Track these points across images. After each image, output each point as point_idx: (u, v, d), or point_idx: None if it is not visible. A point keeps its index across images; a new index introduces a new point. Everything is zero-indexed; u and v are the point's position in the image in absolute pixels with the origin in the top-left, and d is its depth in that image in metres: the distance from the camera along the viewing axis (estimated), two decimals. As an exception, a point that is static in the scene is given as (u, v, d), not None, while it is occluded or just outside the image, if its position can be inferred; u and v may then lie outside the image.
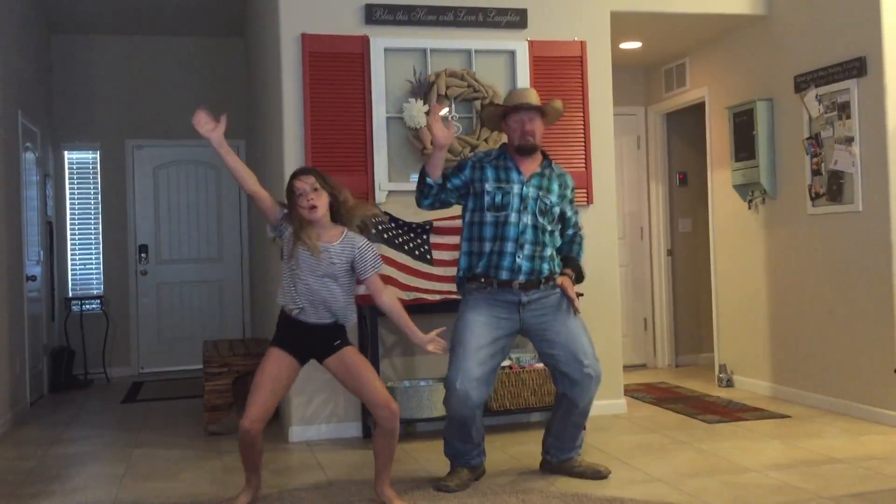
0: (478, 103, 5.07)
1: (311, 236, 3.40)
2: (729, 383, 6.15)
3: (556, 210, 3.85)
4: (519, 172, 3.84)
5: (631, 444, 4.54)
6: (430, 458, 4.31)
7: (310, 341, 3.49)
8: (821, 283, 5.28)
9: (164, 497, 3.82)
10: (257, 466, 3.60)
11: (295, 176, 3.47)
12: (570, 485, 3.80)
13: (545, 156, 3.97)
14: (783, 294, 5.65)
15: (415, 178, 5.01)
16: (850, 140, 4.99)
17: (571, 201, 3.98)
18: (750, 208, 5.94)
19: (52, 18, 7.52)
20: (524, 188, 3.80)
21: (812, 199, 5.32)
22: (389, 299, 3.54)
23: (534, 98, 3.91)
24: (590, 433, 4.81)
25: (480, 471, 3.94)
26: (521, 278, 3.75)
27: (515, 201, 3.78)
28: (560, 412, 3.93)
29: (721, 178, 6.27)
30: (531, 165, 3.88)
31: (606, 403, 5.28)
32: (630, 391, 5.96)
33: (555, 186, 3.88)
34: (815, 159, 5.28)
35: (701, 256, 7.08)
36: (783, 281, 5.64)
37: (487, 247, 3.78)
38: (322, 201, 3.42)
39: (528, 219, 3.77)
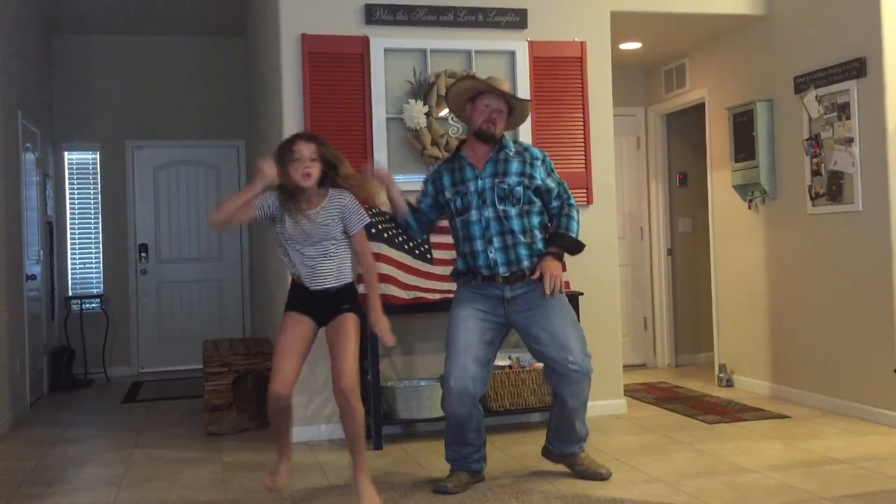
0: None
1: (299, 208, 3.42)
2: (729, 383, 6.15)
3: (519, 190, 3.75)
4: (473, 168, 3.79)
5: (631, 445, 4.54)
6: (430, 458, 4.31)
7: (319, 304, 3.50)
8: (821, 283, 5.28)
9: (164, 497, 3.82)
10: (289, 434, 3.59)
11: (298, 138, 3.47)
12: (570, 485, 3.80)
13: (500, 140, 3.85)
14: (783, 294, 5.65)
15: (415, 178, 5.04)
16: (849, 140, 4.99)
17: (549, 172, 3.85)
18: (750, 208, 5.94)
19: (52, 18, 7.51)
20: (479, 182, 3.77)
21: (812, 199, 5.32)
22: (371, 264, 3.56)
23: (501, 83, 3.85)
24: (590, 433, 4.78)
25: (480, 477, 3.89)
26: (502, 271, 3.73)
27: (474, 199, 3.76)
28: (555, 408, 3.91)
29: (721, 179, 6.27)
30: (486, 152, 3.81)
31: (606, 403, 5.28)
32: (630, 391, 5.96)
33: (513, 167, 3.78)
34: (814, 160, 5.28)
35: (701, 256, 7.08)
36: (783, 281, 5.65)
37: (466, 248, 3.80)
38: (316, 171, 3.43)
39: (488, 212, 3.74)
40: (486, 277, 3.75)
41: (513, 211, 3.75)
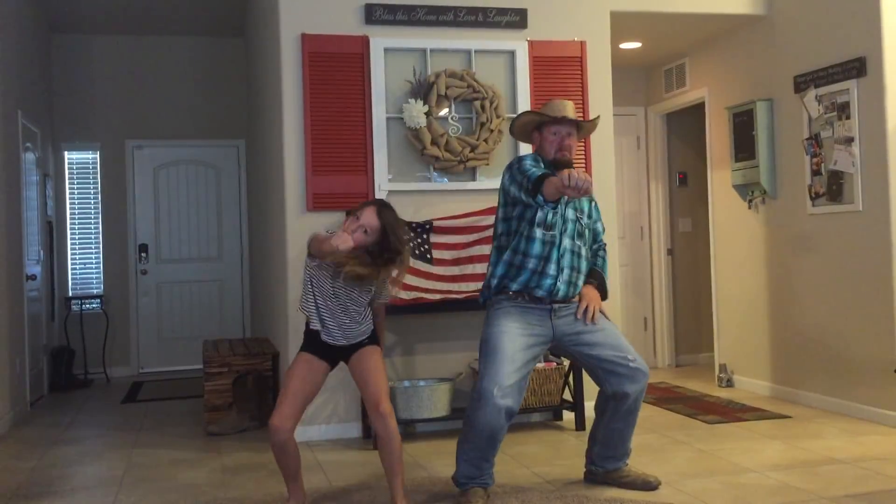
0: (478, 104, 5.07)
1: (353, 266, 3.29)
2: (729, 383, 6.15)
3: (588, 232, 3.73)
4: None
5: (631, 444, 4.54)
6: (431, 458, 4.31)
7: (336, 351, 3.44)
8: (821, 283, 5.28)
9: (164, 497, 3.82)
10: (296, 473, 3.44)
11: (372, 204, 3.40)
12: (570, 485, 3.80)
13: (571, 165, 3.73)
14: (783, 294, 5.65)
15: (415, 178, 5.04)
16: (849, 140, 4.99)
17: (599, 216, 3.86)
18: (750, 208, 5.94)
19: (52, 18, 7.51)
20: (566, 208, 3.64)
21: (812, 198, 5.32)
22: (383, 326, 3.62)
23: (572, 112, 3.72)
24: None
25: (489, 491, 3.68)
26: (557, 298, 3.61)
27: (560, 221, 3.61)
28: (607, 414, 3.72)
29: (721, 178, 6.27)
30: None
31: (606, 403, 5.28)
32: (630, 391, 5.95)
33: (586, 206, 3.74)
34: (814, 159, 5.28)
35: (701, 256, 7.08)
36: (783, 281, 5.64)
37: (531, 264, 3.58)
38: (361, 239, 3.32)
39: (567, 242, 3.62)
40: (536, 299, 3.60)
41: (583, 250, 3.70)
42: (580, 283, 3.68)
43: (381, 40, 5.02)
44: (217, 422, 5.11)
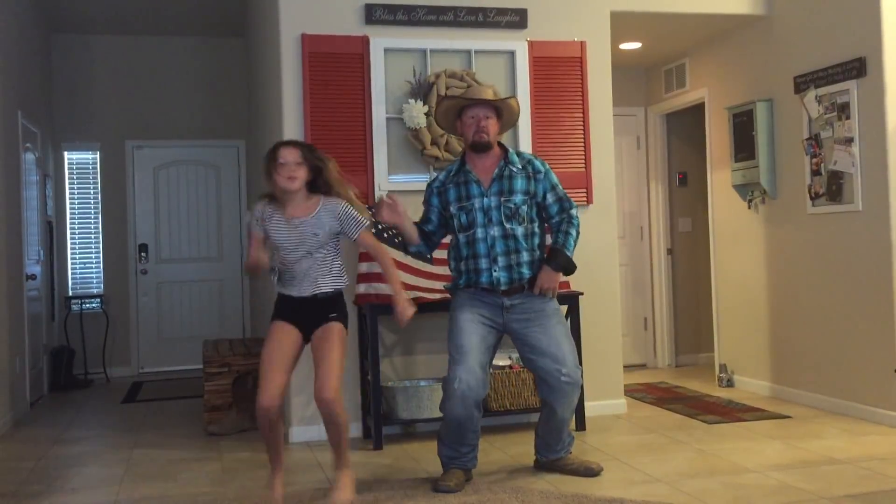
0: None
1: (288, 214, 3.46)
2: (729, 383, 6.15)
3: (525, 209, 3.80)
4: (478, 184, 3.79)
5: (631, 445, 4.54)
6: (431, 458, 4.30)
7: (307, 312, 3.50)
8: (821, 283, 5.28)
9: (164, 497, 3.82)
10: (280, 447, 3.55)
11: (281, 144, 3.51)
12: (570, 485, 3.80)
13: (504, 149, 3.88)
14: (783, 294, 5.65)
15: (415, 178, 5.04)
16: (849, 140, 4.99)
17: (551, 187, 3.85)
18: (750, 208, 5.94)
19: (52, 18, 7.51)
20: (484, 200, 3.77)
21: (812, 198, 5.32)
22: (384, 254, 3.60)
23: (490, 94, 3.85)
24: (590, 433, 4.82)
25: (470, 475, 3.91)
26: (503, 287, 3.78)
27: (479, 216, 3.77)
28: (543, 416, 3.96)
29: (721, 179, 6.27)
30: (490, 165, 3.82)
31: (606, 403, 5.28)
32: (630, 391, 5.96)
33: (518, 184, 3.80)
34: (814, 159, 5.28)
35: (701, 256, 7.08)
36: (783, 281, 5.65)
37: (464, 266, 3.82)
38: (301, 174, 3.45)
39: (495, 230, 3.76)
40: (485, 289, 3.79)
41: (519, 230, 3.78)
42: (524, 261, 3.79)
43: (381, 40, 5.02)
44: (217, 422, 5.11)
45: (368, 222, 3.57)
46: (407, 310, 3.51)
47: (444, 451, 3.87)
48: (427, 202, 3.95)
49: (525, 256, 3.79)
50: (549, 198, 3.87)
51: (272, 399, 3.37)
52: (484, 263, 3.76)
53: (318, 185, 3.53)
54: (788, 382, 5.62)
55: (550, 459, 4.01)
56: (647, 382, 6.46)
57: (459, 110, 3.88)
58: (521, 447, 4.55)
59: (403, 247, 3.96)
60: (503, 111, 3.88)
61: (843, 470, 3.92)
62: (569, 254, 3.83)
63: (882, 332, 4.82)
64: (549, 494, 3.64)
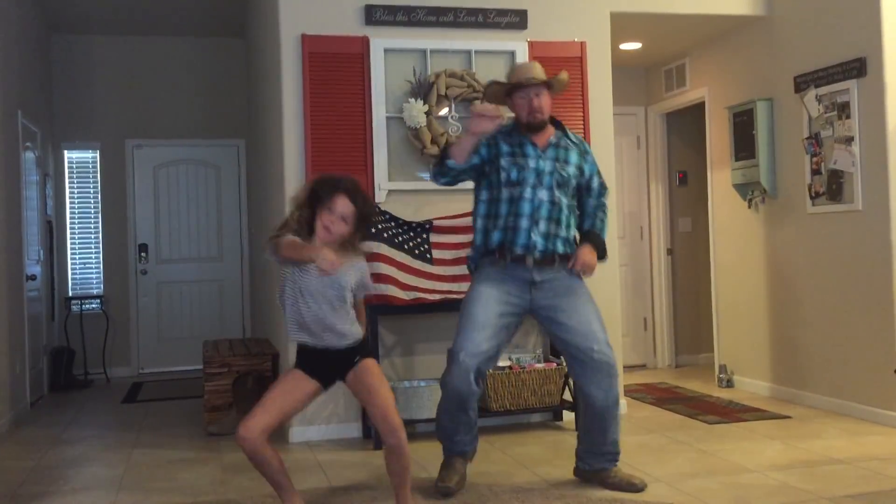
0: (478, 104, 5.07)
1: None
2: (729, 383, 6.15)
3: (574, 182, 3.71)
4: (534, 145, 3.69)
5: (631, 445, 4.54)
6: (431, 458, 4.30)
7: (330, 364, 3.28)
8: (821, 283, 5.28)
9: (164, 497, 3.82)
10: (282, 479, 3.27)
11: (342, 192, 3.15)
12: (570, 485, 3.80)
13: (559, 125, 3.80)
14: (783, 294, 5.65)
15: (420, 175, 5.04)
16: (849, 140, 4.99)
17: (597, 171, 3.81)
18: (750, 208, 5.94)
19: (52, 18, 7.51)
20: (539, 161, 3.66)
21: (812, 198, 5.32)
22: (363, 320, 3.39)
23: (538, 72, 3.71)
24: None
25: (472, 455, 3.80)
26: (537, 255, 3.62)
27: (531, 176, 3.63)
28: (581, 410, 3.78)
29: (721, 178, 6.27)
30: (545, 137, 3.73)
31: (606, 403, 5.28)
32: (630, 391, 5.96)
33: (573, 157, 3.73)
34: (814, 159, 5.28)
35: (701, 256, 7.08)
36: (783, 281, 5.64)
37: (502, 222, 3.65)
38: (342, 230, 3.17)
39: (543, 194, 3.63)
40: (516, 258, 3.62)
41: (565, 201, 3.69)
42: (561, 234, 3.67)
43: (381, 41, 5.02)
44: (217, 422, 5.11)
45: (373, 292, 3.36)
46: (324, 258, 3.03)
47: (441, 433, 3.75)
48: (476, 153, 3.71)
49: (563, 231, 3.68)
50: (595, 180, 3.80)
51: (248, 429, 3.16)
52: (525, 223, 3.60)
53: (350, 241, 3.24)
54: (788, 382, 5.62)
55: (594, 470, 3.78)
56: (647, 383, 6.46)
57: (509, 90, 3.76)
58: (522, 447, 4.56)
59: (442, 159, 3.66)
60: (553, 85, 3.77)
61: (843, 470, 3.92)
62: (603, 238, 3.77)
63: (882, 332, 4.81)
64: (549, 494, 3.64)
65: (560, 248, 3.67)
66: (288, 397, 3.26)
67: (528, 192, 3.63)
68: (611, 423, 3.74)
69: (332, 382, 3.33)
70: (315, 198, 3.18)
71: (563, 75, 3.81)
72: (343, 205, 3.15)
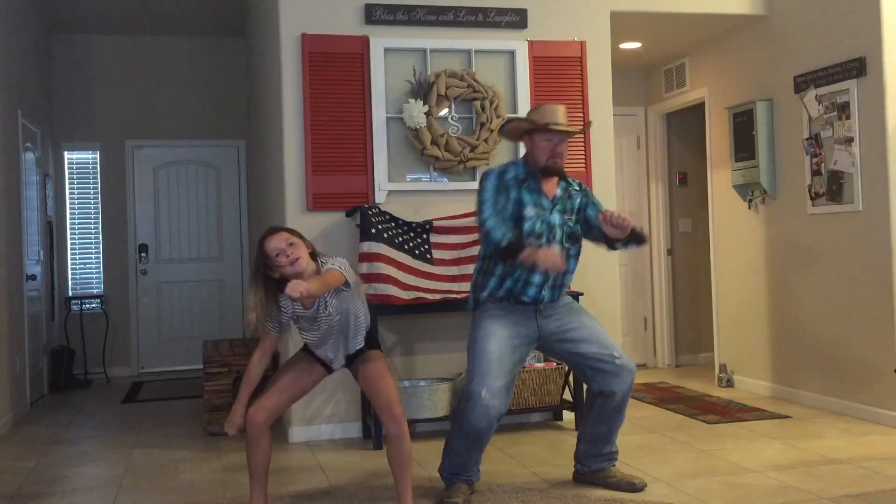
0: (478, 104, 5.07)
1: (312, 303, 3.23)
2: (729, 383, 6.15)
3: (578, 229, 3.70)
4: (546, 197, 3.65)
5: (631, 445, 4.54)
6: (431, 458, 4.30)
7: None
8: (821, 284, 5.28)
9: (164, 497, 3.82)
10: (264, 475, 3.34)
11: (264, 239, 3.25)
12: (570, 485, 3.80)
13: (563, 174, 3.73)
14: (783, 294, 5.65)
15: (414, 177, 5.04)
16: (849, 140, 4.99)
17: (592, 201, 3.75)
18: (750, 208, 5.94)
19: (52, 18, 7.51)
20: (552, 215, 3.64)
21: (812, 199, 5.32)
22: (331, 277, 3.26)
23: (563, 117, 3.63)
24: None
25: (473, 488, 3.74)
26: (543, 305, 3.64)
27: (547, 231, 3.61)
28: (594, 412, 3.76)
29: (721, 179, 6.27)
30: (553, 186, 3.69)
31: (606, 403, 5.28)
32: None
33: (576, 205, 3.71)
34: (814, 159, 5.28)
35: (701, 256, 7.08)
36: (783, 281, 5.64)
37: (517, 273, 3.57)
38: (302, 252, 3.21)
39: (556, 248, 3.59)
40: (521, 303, 3.61)
41: (573, 251, 3.70)
42: (567, 281, 3.71)
43: (381, 40, 5.02)
44: (217, 422, 5.11)
45: (343, 272, 3.28)
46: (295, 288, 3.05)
47: (448, 466, 3.68)
48: (501, 193, 3.61)
49: (569, 279, 3.71)
50: (593, 212, 3.70)
51: (259, 411, 3.27)
52: (537, 279, 3.56)
53: (314, 258, 3.30)
54: (788, 382, 5.62)
55: (593, 470, 3.80)
56: (647, 382, 6.46)
57: (529, 130, 3.66)
58: (521, 447, 4.56)
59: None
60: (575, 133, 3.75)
61: (843, 470, 3.92)
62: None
63: (882, 333, 4.82)
64: (549, 494, 3.64)
65: (564, 292, 3.71)
66: (297, 383, 3.38)
67: (545, 245, 3.57)
68: (620, 420, 3.77)
69: (339, 366, 3.42)
70: (260, 271, 3.23)
71: (589, 126, 3.89)
72: (276, 240, 3.20)
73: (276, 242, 3.20)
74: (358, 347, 3.36)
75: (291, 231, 3.30)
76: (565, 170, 3.74)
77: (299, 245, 3.23)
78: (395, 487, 3.34)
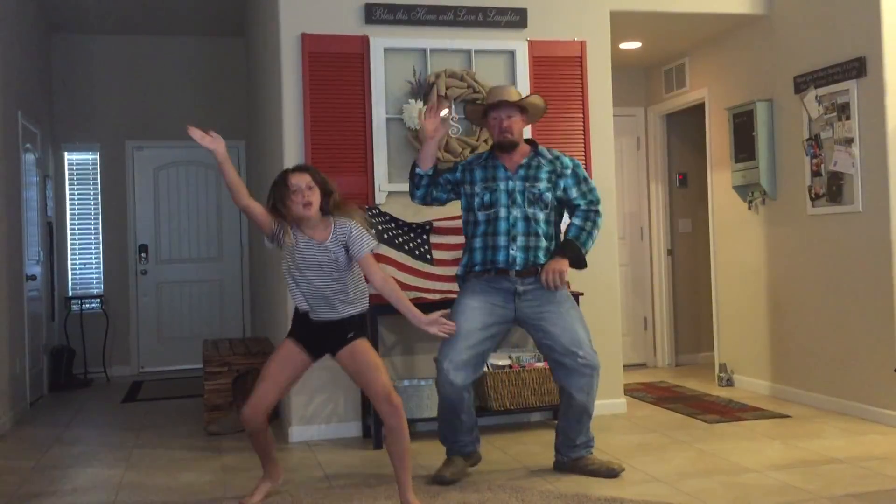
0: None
1: (308, 237, 3.44)
2: (729, 383, 6.15)
3: (548, 196, 3.89)
4: (505, 169, 3.92)
5: (631, 444, 4.54)
6: (431, 457, 4.30)
7: (322, 337, 3.49)
8: (821, 283, 5.29)
9: (164, 497, 3.83)
10: (269, 455, 3.63)
11: (291, 172, 3.46)
12: (571, 485, 3.80)
13: (535, 146, 4.02)
14: (783, 294, 5.65)
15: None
16: (849, 141, 4.99)
17: (577, 182, 3.95)
18: (750, 209, 5.94)
19: (52, 18, 7.51)
20: (510, 182, 3.88)
21: (812, 199, 5.32)
22: (383, 280, 3.48)
23: (512, 95, 3.97)
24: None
25: (476, 458, 4.01)
26: (518, 268, 3.83)
27: (503, 197, 3.87)
28: (562, 407, 3.99)
29: (721, 179, 6.27)
30: (517, 159, 3.95)
31: (606, 403, 5.28)
32: (630, 391, 5.96)
33: (543, 173, 3.92)
34: (814, 160, 5.28)
35: (701, 256, 7.09)
36: (783, 281, 5.65)
37: (483, 242, 3.88)
38: (315, 199, 3.42)
39: (517, 212, 3.85)
40: (500, 270, 3.83)
41: (541, 215, 3.88)
42: (542, 245, 3.86)
43: (381, 40, 5.02)
44: (217, 422, 5.12)
45: (376, 243, 3.52)
46: (439, 325, 3.49)
47: (443, 438, 3.97)
48: (451, 169, 4.07)
49: (543, 242, 3.87)
50: (574, 192, 3.96)
51: (255, 411, 3.46)
52: (502, 241, 3.83)
53: (327, 207, 3.47)
54: (788, 382, 5.62)
55: (572, 459, 3.98)
56: (647, 382, 6.46)
57: (485, 111, 4.01)
58: (522, 447, 4.56)
59: (413, 168, 4.00)
60: (527, 108, 4.01)
61: (843, 470, 3.92)
62: (583, 249, 3.90)
63: (882, 332, 4.82)
64: (549, 494, 3.64)
65: (542, 258, 3.87)
66: (282, 373, 3.49)
67: (502, 212, 3.86)
68: (587, 417, 3.95)
69: (321, 355, 3.53)
70: (280, 196, 3.40)
71: (535, 98, 4.06)
72: (300, 178, 3.40)
73: (299, 180, 3.41)
74: (348, 315, 3.44)
75: (317, 174, 3.46)
76: (552, 150, 4.04)
77: (316, 192, 3.41)
78: (396, 479, 3.45)
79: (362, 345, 3.48)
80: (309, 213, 3.40)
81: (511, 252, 3.82)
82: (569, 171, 3.96)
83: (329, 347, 3.50)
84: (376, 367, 3.44)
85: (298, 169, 3.49)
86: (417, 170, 3.98)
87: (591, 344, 3.89)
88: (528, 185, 3.88)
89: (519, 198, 3.87)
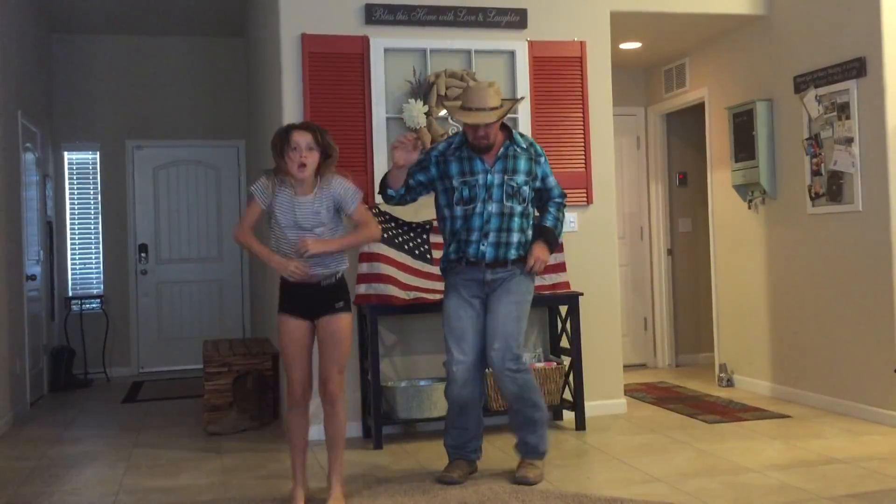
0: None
1: (293, 193, 3.47)
2: (729, 383, 6.15)
3: (526, 189, 3.90)
4: (482, 161, 3.87)
5: (631, 444, 4.54)
6: (431, 457, 4.31)
7: (311, 298, 3.52)
8: (821, 283, 5.28)
9: (163, 497, 3.82)
10: (305, 453, 3.62)
11: (296, 127, 3.46)
12: (571, 485, 3.80)
13: (509, 133, 3.94)
14: (783, 294, 5.65)
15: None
16: (849, 140, 4.99)
17: (549, 171, 4.02)
18: (750, 208, 5.94)
19: (52, 18, 7.51)
20: (488, 176, 3.85)
21: (812, 199, 5.32)
22: (373, 226, 3.63)
23: (489, 100, 3.77)
24: (590, 433, 4.82)
25: (475, 468, 3.99)
26: (487, 261, 3.85)
27: (481, 192, 3.84)
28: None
29: (721, 179, 6.27)
30: (493, 150, 3.90)
31: (606, 403, 5.28)
32: (630, 391, 5.96)
33: (521, 165, 3.90)
34: (814, 160, 5.28)
35: (701, 256, 7.08)
36: (783, 281, 5.65)
37: (458, 236, 3.89)
38: (312, 160, 3.43)
39: (493, 207, 3.83)
40: (471, 262, 3.86)
41: (518, 208, 3.88)
42: (514, 241, 3.87)
43: (381, 40, 5.02)
44: (217, 422, 5.11)
45: (361, 193, 3.61)
46: (310, 245, 3.42)
47: (449, 441, 3.96)
48: (423, 166, 3.94)
49: (515, 237, 3.87)
50: (550, 181, 4.01)
51: (304, 389, 3.53)
52: (475, 237, 3.84)
53: (321, 168, 3.50)
54: (788, 382, 5.62)
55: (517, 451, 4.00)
56: (647, 382, 6.46)
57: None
58: (521, 447, 4.55)
59: (383, 187, 3.95)
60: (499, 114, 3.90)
61: (843, 470, 3.92)
62: (558, 238, 4.02)
63: (882, 332, 4.82)
64: (549, 494, 3.64)
65: (512, 254, 3.87)
66: (301, 348, 3.53)
67: (479, 208, 3.85)
68: (517, 418, 3.92)
69: (315, 314, 3.54)
70: (280, 149, 3.43)
71: (512, 103, 3.94)
72: (300, 136, 3.41)
73: (301, 138, 3.42)
74: (324, 272, 3.48)
75: (321, 134, 3.46)
76: (551, 159, 4.10)
77: (314, 155, 3.42)
78: (328, 459, 3.57)
79: (342, 319, 3.52)
80: (303, 174, 3.41)
81: (481, 248, 3.83)
82: (542, 160, 3.99)
83: (320, 310, 3.52)
84: (344, 350, 3.51)
85: (302, 126, 3.49)
86: (389, 191, 3.92)
87: (514, 345, 3.78)
88: (506, 177, 3.86)
89: (497, 192, 3.84)
